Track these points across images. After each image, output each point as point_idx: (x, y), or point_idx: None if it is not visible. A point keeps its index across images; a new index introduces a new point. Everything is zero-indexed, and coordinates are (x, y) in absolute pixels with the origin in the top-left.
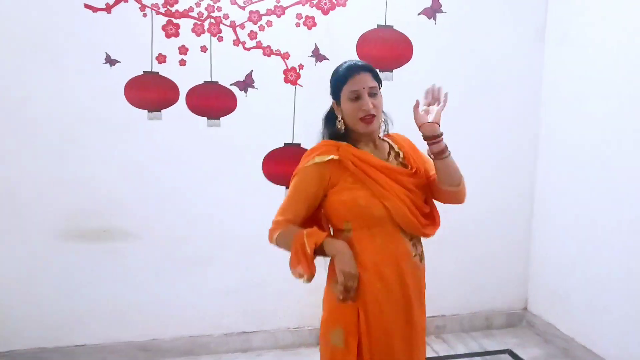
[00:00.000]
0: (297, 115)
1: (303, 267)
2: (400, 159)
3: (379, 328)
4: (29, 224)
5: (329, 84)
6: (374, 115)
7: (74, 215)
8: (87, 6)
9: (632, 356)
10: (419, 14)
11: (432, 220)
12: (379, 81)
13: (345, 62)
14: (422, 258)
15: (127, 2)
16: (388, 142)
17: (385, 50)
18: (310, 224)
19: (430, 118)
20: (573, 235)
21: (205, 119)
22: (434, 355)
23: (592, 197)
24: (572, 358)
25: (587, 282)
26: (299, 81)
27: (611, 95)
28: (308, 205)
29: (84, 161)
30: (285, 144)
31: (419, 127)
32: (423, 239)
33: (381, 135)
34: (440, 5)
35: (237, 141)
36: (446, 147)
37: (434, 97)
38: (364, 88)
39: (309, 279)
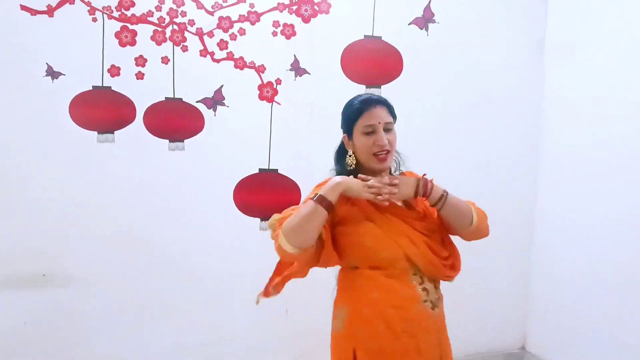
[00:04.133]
0: (274, 137)
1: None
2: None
3: None
4: None
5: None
6: (388, 151)
7: (4, 259)
8: (23, 8)
9: None
10: (409, 24)
11: (451, 263)
12: (394, 117)
13: (360, 95)
14: (435, 305)
15: (74, 4)
16: None
17: (372, 63)
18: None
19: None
20: (575, 271)
21: (167, 141)
22: None
23: (596, 232)
24: None
25: (588, 321)
26: (275, 98)
27: (621, 110)
28: None
29: (18, 193)
30: (260, 169)
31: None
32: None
33: (395, 174)
34: (433, 15)
35: (204, 167)
36: (443, 193)
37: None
38: (379, 122)
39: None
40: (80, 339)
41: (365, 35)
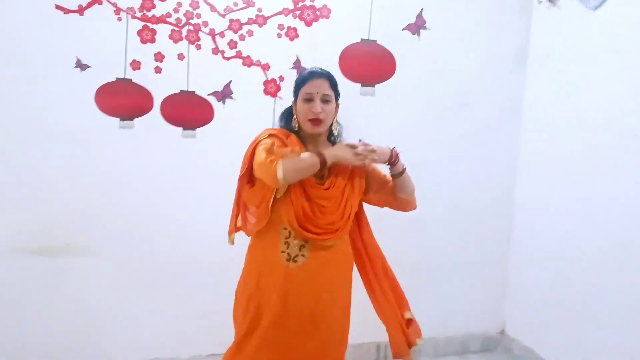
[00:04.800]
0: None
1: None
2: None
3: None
4: None
5: None
6: (321, 120)
7: (30, 230)
8: (58, 7)
9: None
10: (403, 29)
11: (335, 229)
12: (336, 91)
13: (311, 68)
14: (292, 259)
15: (101, 4)
16: None
17: (368, 64)
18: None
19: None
20: (551, 260)
21: (180, 129)
22: None
23: (571, 223)
24: None
25: (566, 305)
26: (279, 93)
27: (600, 112)
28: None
29: (46, 172)
30: None
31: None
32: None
33: (337, 140)
34: (425, 22)
35: (213, 153)
36: (403, 166)
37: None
38: (317, 92)
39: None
40: (97, 302)
41: (362, 39)
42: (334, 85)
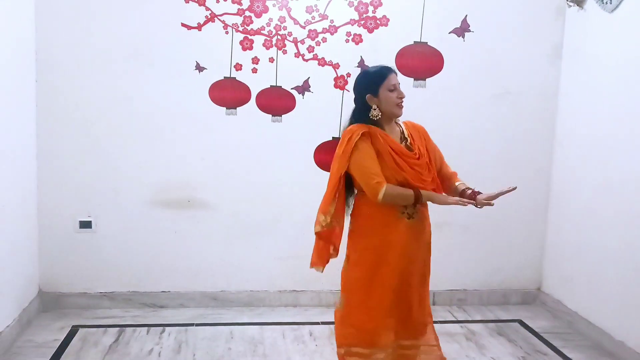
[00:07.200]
0: (344, 114)
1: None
2: (407, 142)
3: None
4: (128, 195)
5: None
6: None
7: (164, 189)
8: (183, 25)
9: (625, 326)
10: (449, 33)
11: (432, 188)
12: None
13: (377, 66)
14: (411, 216)
15: (214, 22)
16: (400, 127)
17: (420, 62)
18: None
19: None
20: (581, 225)
21: (270, 116)
22: (454, 319)
23: (597, 194)
24: (574, 330)
25: (590, 265)
26: (346, 87)
27: (622, 97)
28: (378, 164)
29: (174, 146)
30: (332, 137)
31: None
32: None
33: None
34: (469, 26)
35: (295, 134)
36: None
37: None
38: (398, 83)
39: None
40: (209, 244)
41: (414, 41)
42: None
